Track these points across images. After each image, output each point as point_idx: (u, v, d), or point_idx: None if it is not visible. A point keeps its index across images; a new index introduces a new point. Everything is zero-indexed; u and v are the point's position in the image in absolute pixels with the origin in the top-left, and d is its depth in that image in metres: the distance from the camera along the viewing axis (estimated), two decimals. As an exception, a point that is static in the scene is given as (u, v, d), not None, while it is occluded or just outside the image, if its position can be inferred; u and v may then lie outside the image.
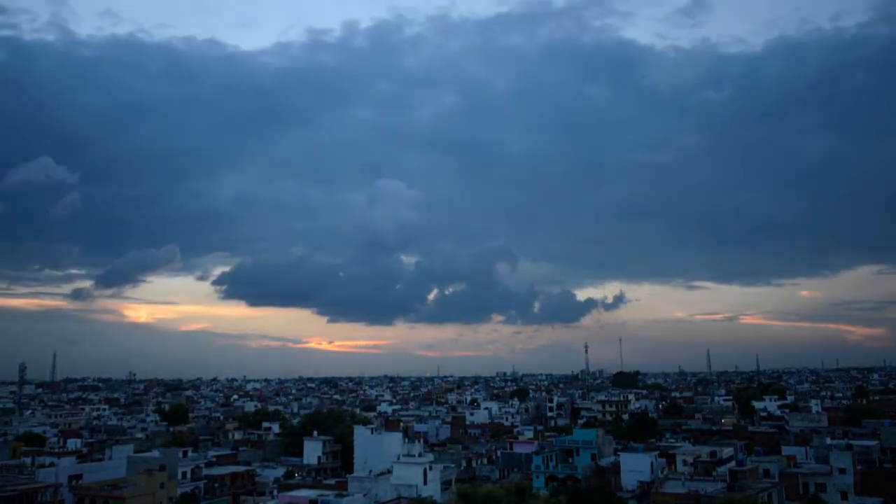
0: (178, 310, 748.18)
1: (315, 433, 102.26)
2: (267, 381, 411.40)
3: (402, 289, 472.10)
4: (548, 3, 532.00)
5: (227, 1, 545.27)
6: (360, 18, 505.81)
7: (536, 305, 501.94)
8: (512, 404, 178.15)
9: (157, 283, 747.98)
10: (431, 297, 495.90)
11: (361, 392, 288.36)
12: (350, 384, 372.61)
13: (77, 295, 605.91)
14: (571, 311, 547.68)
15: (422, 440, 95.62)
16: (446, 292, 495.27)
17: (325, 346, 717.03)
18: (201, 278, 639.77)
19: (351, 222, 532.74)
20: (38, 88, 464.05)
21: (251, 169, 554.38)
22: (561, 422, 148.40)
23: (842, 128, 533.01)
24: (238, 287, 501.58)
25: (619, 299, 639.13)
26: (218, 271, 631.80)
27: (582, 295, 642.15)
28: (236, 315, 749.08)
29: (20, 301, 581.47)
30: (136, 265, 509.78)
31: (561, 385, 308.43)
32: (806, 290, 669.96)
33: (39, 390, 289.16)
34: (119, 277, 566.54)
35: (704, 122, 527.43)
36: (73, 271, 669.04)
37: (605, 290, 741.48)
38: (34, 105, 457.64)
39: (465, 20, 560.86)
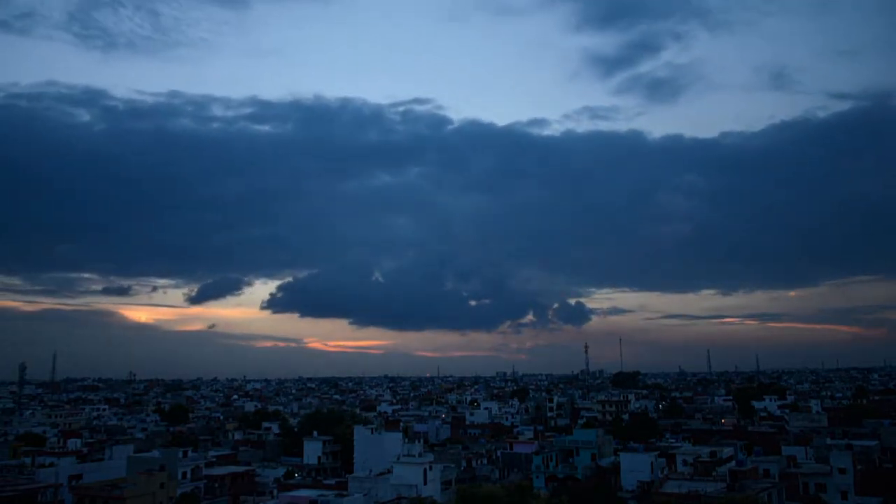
0: (179, 311, 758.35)
1: (315, 433, 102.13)
2: (267, 381, 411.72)
3: (438, 300, 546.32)
4: (544, 117, 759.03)
5: (330, 109, 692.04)
6: (420, 116, 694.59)
7: (550, 312, 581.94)
8: (512, 404, 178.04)
9: (228, 298, 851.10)
10: (462, 306, 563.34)
11: (361, 392, 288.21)
12: (350, 384, 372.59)
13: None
14: (580, 317, 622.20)
15: (422, 440, 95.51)
16: (477, 303, 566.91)
17: (326, 346, 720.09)
18: (271, 293, 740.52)
19: (397, 244, 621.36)
20: (176, 160, 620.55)
21: (314, 205, 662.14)
22: (561, 422, 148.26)
23: (788, 185, 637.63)
24: (292, 301, 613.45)
25: (620, 307, 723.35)
26: (278, 285, 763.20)
27: (591, 303, 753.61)
28: (240, 317, 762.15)
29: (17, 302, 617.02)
30: (222, 284, 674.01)
31: (561, 385, 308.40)
32: (804, 295, 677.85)
33: (39, 390, 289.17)
34: (207, 294, 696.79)
35: (677, 171, 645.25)
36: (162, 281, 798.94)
37: (613, 298, 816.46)
38: (171, 166, 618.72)
39: (489, 125, 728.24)
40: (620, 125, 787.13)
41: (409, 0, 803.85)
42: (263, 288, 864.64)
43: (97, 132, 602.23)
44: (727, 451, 78.21)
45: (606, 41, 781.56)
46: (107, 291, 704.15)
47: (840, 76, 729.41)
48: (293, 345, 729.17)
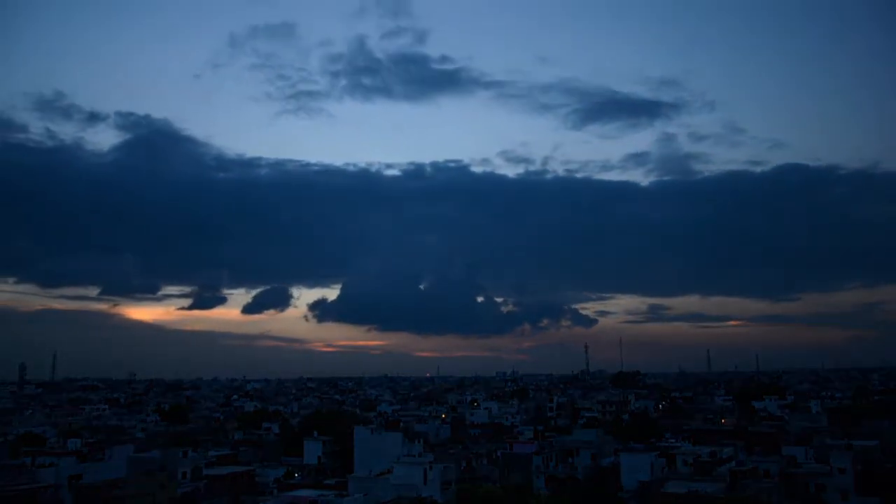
0: (178, 312, 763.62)
1: (315, 433, 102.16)
2: (267, 381, 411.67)
3: (460, 308, 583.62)
4: (545, 168, 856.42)
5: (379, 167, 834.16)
6: (451, 169, 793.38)
7: (560, 317, 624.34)
8: (512, 404, 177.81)
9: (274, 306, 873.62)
10: (481, 313, 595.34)
11: (361, 392, 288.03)
12: (350, 384, 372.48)
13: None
14: (582, 319, 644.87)
15: (422, 440, 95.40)
16: (494, 310, 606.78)
17: (326, 346, 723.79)
18: (316, 303, 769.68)
19: (426, 260, 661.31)
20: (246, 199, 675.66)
21: (353, 229, 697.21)
22: (561, 422, 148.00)
23: (753, 215, 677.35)
24: (335, 312, 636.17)
25: (621, 309, 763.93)
26: (337, 294, 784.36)
27: (594, 306, 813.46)
28: (240, 317, 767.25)
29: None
30: (271, 295, 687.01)
31: (561, 385, 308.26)
32: (802, 297, 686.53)
33: (39, 390, 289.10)
34: (259, 306, 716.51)
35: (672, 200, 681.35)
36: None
37: (619, 302, 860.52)
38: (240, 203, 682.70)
39: (504, 175, 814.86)
40: (613, 176, 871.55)
41: (444, 124, 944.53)
42: (303, 297, 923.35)
43: (186, 179, 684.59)
44: (727, 451, 78.34)
45: (584, 136, 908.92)
46: (198, 303, 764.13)
47: (779, 151, 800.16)
48: (294, 345, 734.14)
